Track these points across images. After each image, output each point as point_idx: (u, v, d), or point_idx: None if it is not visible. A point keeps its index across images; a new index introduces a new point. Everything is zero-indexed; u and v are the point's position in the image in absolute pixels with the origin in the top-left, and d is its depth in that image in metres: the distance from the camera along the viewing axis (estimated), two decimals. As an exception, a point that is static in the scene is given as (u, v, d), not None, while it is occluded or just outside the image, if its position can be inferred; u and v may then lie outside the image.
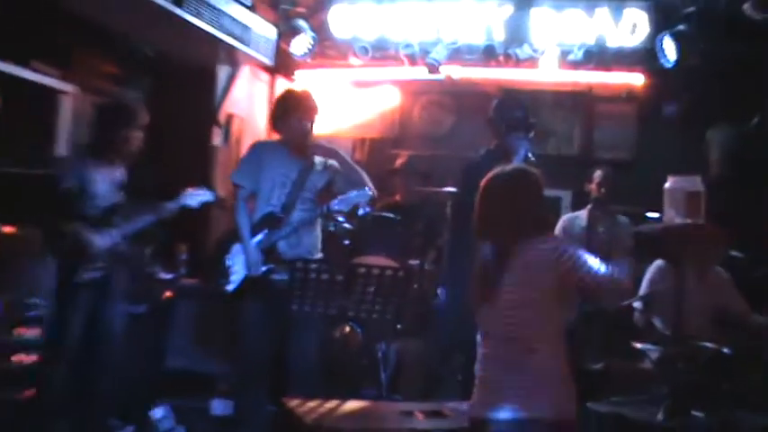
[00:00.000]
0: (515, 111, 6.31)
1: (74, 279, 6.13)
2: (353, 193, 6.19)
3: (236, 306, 6.29)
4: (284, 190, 6.24)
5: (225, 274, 6.27)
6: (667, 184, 4.96)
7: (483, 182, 4.15)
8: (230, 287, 6.23)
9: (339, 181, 6.42)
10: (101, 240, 6.19)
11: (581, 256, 3.95)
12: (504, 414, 3.85)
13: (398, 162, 8.55)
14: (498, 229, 4.06)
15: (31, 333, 6.17)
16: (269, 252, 6.13)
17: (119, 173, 6.41)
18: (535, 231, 4.00)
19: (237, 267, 6.23)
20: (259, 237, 6.19)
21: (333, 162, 6.49)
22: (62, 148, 6.70)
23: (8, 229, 6.10)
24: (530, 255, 3.93)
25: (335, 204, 6.18)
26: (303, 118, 6.30)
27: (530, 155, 5.95)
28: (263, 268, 6.10)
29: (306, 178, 6.30)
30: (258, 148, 6.61)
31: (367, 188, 6.28)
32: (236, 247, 6.26)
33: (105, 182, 6.33)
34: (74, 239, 6.11)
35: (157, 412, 6.75)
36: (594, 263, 3.95)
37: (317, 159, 6.43)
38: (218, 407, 6.90)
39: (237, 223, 6.27)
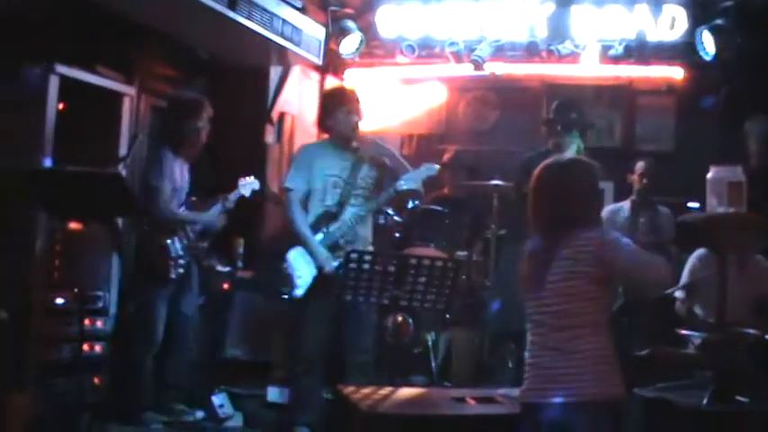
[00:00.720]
0: (571, 112, 6.47)
1: (165, 277, 6.50)
2: (422, 168, 6.35)
3: (298, 301, 6.40)
4: (337, 189, 6.37)
5: (287, 281, 6.39)
6: (709, 175, 4.97)
7: (536, 172, 4.19)
8: (298, 292, 6.31)
9: (388, 176, 6.57)
10: (185, 237, 6.55)
11: (624, 243, 3.98)
12: (555, 399, 3.91)
13: (446, 157, 8.66)
14: (549, 218, 4.11)
15: (98, 324, 6.47)
16: (332, 249, 6.25)
17: (187, 167, 6.70)
18: (586, 221, 4.05)
19: (302, 272, 6.31)
20: (319, 236, 6.32)
21: (381, 156, 6.63)
22: (124, 147, 6.90)
23: (75, 226, 6.33)
24: (577, 244, 3.96)
25: (402, 184, 6.30)
26: (350, 111, 6.43)
27: (581, 150, 6.11)
28: (335, 263, 6.19)
29: (357, 174, 6.42)
30: (307, 150, 6.72)
31: (434, 164, 6.40)
32: (294, 253, 6.38)
33: (184, 177, 6.63)
34: (161, 238, 6.48)
35: (216, 399, 6.94)
36: (637, 250, 3.98)
37: (367, 154, 6.57)
38: (274, 394, 7.04)
39: (297, 226, 6.35)
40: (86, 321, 5.97)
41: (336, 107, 6.47)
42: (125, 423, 6.47)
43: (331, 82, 9.16)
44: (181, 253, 6.57)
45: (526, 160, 6.39)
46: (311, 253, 6.27)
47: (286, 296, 6.41)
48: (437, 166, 6.44)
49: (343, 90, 6.78)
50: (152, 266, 6.53)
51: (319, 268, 6.22)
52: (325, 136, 6.69)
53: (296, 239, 6.37)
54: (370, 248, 6.33)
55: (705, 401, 4.62)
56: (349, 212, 6.34)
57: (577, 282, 3.96)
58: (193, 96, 6.88)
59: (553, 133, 6.56)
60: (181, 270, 6.57)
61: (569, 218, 4.06)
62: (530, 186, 4.23)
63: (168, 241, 6.50)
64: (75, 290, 6.04)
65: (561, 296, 3.98)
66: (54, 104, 6.16)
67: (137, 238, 6.66)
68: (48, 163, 6.08)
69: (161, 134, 6.74)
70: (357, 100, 6.55)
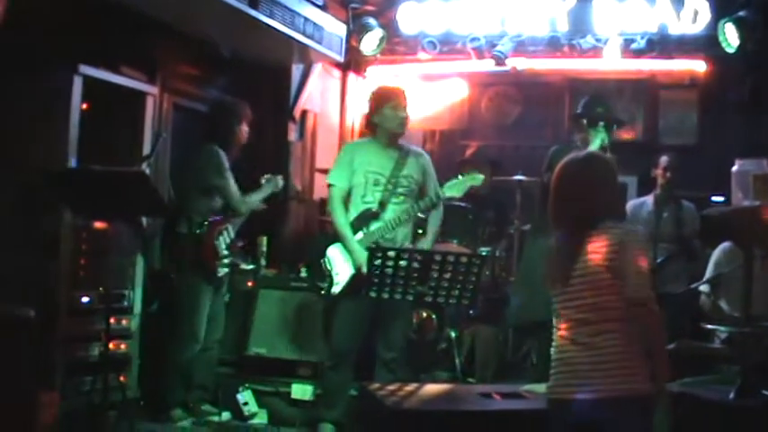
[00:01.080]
0: (597, 107, 6.47)
1: (213, 274, 6.63)
2: (466, 177, 6.36)
3: (334, 298, 6.45)
4: (378, 186, 6.37)
5: (326, 277, 6.41)
6: (735, 168, 4.98)
7: (558, 167, 4.19)
8: (336, 289, 6.34)
9: (431, 179, 6.57)
10: (228, 237, 6.69)
11: (639, 246, 4.01)
12: (583, 395, 3.90)
13: (468, 152, 8.71)
14: (572, 213, 4.10)
15: (124, 322, 6.51)
16: (368, 249, 6.19)
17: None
18: (608, 215, 4.04)
19: (340, 269, 6.35)
20: (359, 235, 6.34)
21: (423, 160, 6.62)
22: (147, 146, 6.94)
23: (100, 225, 6.36)
24: (603, 238, 3.96)
25: (446, 192, 6.32)
26: (397, 107, 6.44)
27: (605, 144, 6.11)
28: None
29: (399, 173, 6.42)
30: (349, 146, 6.79)
31: (477, 173, 6.43)
32: (334, 250, 6.40)
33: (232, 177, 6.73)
34: (211, 237, 6.61)
35: (241, 397, 6.99)
36: (641, 268, 3.98)
37: (413, 154, 6.58)
38: (299, 391, 6.99)
39: (336, 223, 6.38)
40: (112, 320, 5.98)
41: (384, 103, 6.47)
42: (154, 421, 6.56)
43: (353, 79, 9.19)
44: (226, 252, 6.68)
45: (552, 153, 6.39)
46: (349, 251, 6.28)
47: (323, 292, 6.43)
48: (482, 177, 6.44)
49: (389, 87, 6.81)
50: (201, 264, 6.62)
51: (357, 267, 6.21)
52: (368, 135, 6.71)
53: (335, 236, 6.41)
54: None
55: (732, 396, 4.61)
56: (390, 212, 6.35)
57: (603, 276, 3.95)
58: (237, 100, 7.00)
59: (579, 128, 6.55)
60: (226, 269, 6.72)
61: (592, 212, 4.06)
62: (553, 182, 4.22)
63: (218, 240, 6.63)
64: (101, 289, 6.06)
65: (587, 290, 3.98)
66: (78, 105, 6.18)
67: (181, 236, 6.69)
68: (72, 163, 6.11)
69: (210, 136, 6.80)
70: (404, 96, 6.56)
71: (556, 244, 4.19)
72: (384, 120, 6.44)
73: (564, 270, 4.06)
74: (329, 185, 6.50)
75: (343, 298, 6.38)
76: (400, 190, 6.39)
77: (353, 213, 6.41)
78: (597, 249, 3.97)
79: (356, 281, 6.23)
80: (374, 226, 6.33)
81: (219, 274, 6.70)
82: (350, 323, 6.39)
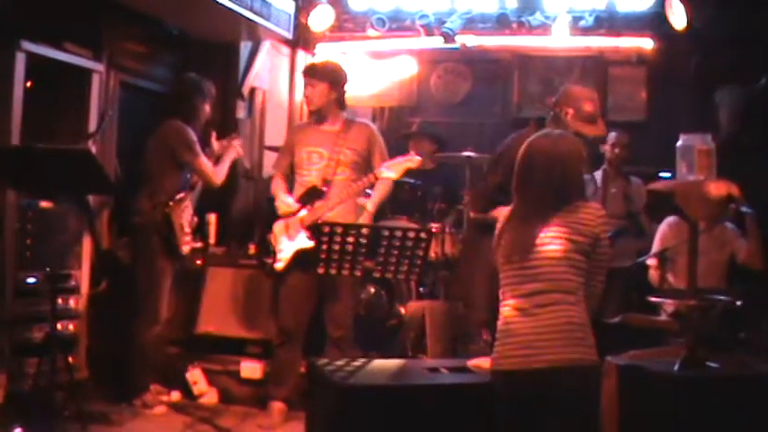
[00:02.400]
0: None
1: (178, 253, 6.66)
2: (401, 159, 6.36)
3: (278, 275, 6.48)
4: (320, 162, 6.43)
5: (270, 252, 6.47)
6: (679, 142, 5.03)
7: (527, 142, 4.27)
8: (279, 264, 6.41)
9: (375, 151, 6.60)
10: (189, 214, 6.74)
11: (605, 260, 4.17)
12: (532, 365, 3.94)
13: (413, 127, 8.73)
14: (546, 188, 4.14)
15: (71, 303, 6.47)
16: (314, 226, 6.24)
17: None
18: (581, 192, 4.20)
19: (284, 245, 6.40)
20: (303, 212, 6.37)
21: (368, 131, 6.66)
22: (93, 124, 6.88)
23: (46, 204, 6.31)
24: (578, 214, 4.07)
25: (383, 171, 6.34)
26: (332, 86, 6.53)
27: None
28: (311, 243, 6.25)
29: (341, 147, 6.47)
30: (291, 131, 7.04)
31: (414, 154, 6.43)
32: (278, 225, 6.45)
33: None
34: (178, 215, 6.64)
35: (191, 376, 6.99)
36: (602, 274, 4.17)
37: (353, 127, 6.61)
38: (249, 369, 7.03)
39: (272, 188, 6.56)
40: (59, 300, 5.96)
41: (318, 81, 6.53)
42: (108, 402, 6.54)
43: (302, 57, 9.15)
44: (188, 230, 6.70)
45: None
46: (284, 205, 6.45)
47: (269, 266, 6.46)
48: (418, 158, 6.44)
49: (326, 63, 6.82)
50: (168, 242, 6.61)
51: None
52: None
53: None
54: None
55: (676, 367, 4.64)
56: (334, 188, 6.39)
57: (568, 247, 4.04)
58: (202, 78, 7.02)
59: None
60: (187, 247, 6.73)
61: (568, 188, 4.14)
62: (520, 156, 4.27)
63: (182, 217, 6.65)
64: (47, 269, 5.98)
65: (548, 259, 4.05)
66: (21, 82, 6.11)
67: (143, 214, 6.67)
68: (16, 141, 6.03)
69: (173, 112, 6.80)
70: (304, 75, 6.68)
71: (516, 215, 4.22)
72: (318, 97, 6.58)
73: (526, 240, 4.10)
74: (274, 172, 6.71)
75: (287, 275, 6.40)
76: (343, 164, 6.43)
77: (299, 191, 6.48)
78: (570, 224, 4.06)
79: (299, 256, 6.28)
80: (318, 203, 6.35)
81: (184, 252, 6.71)
82: (294, 300, 6.43)
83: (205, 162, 6.74)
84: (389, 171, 6.34)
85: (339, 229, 5.25)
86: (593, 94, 5.99)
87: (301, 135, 6.63)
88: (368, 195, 6.66)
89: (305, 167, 6.49)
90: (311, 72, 6.69)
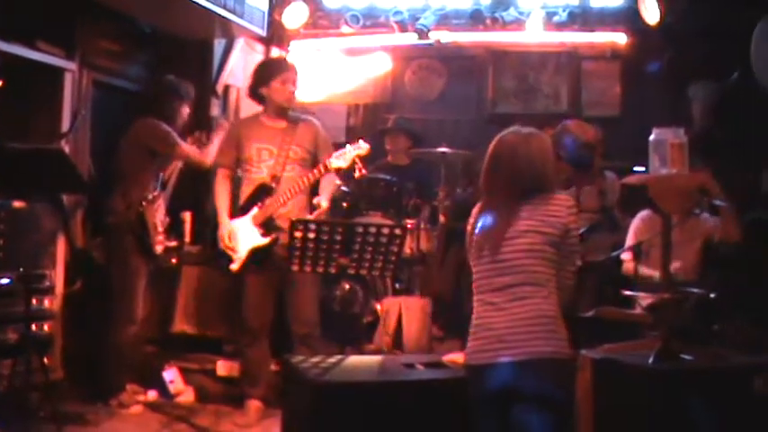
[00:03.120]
0: None
1: (150, 254, 6.67)
2: (349, 147, 6.35)
3: (239, 275, 6.47)
4: (268, 160, 6.42)
5: (223, 252, 6.46)
6: (652, 136, 5.07)
7: (497, 139, 4.28)
8: (234, 266, 6.40)
9: (321, 147, 6.59)
10: (161, 213, 6.75)
11: (576, 251, 4.22)
12: (503, 358, 3.96)
13: (388, 124, 8.74)
14: (518, 182, 4.17)
15: (46, 303, 6.39)
16: (267, 223, 6.32)
17: None
18: (553, 185, 4.20)
19: (239, 245, 6.40)
20: (254, 210, 6.38)
21: (314, 127, 6.65)
22: (66, 123, 6.85)
23: (19, 204, 6.26)
24: (548, 206, 4.09)
25: (332, 161, 6.32)
26: (286, 81, 6.49)
27: None
28: (265, 240, 6.29)
29: (290, 144, 6.45)
30: (236, 124, 6.94)
31: (362, 141, 6.41)
32: (235, 223, 6.44)
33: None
34: (152, 215, 6.66)
35: (167, 375, 6.97)
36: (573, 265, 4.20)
37: (300, 123, 6.58)
38: (225, 368, 7.02)
39: (215, 197, 6.57)
40: (33, 301, 5.93)
41: (271, 77, 6.50)
42: (85, 402, 6.53)
43: (276, 54, 9.13)
44: (160, 229, 6.69)
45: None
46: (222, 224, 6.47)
47: (225, 266, 6.47)
48: (366, 145, 6.41)
49: (277, 60, 6.84)
50: (141, 242, 6.62)
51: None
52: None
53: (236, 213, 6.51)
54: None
55: (651, 360, 4.66)
56: (283, 184, 6.38)
57: (537, 240, 4.06)
58: (180, 80, 7.06)
59: None
60: (161, 246, 6.73)
61: (535, 182, 4.16)
62: (489, 152, 4.29)
63: (155, 217, 6.66)
64: (21, 269, 5.95)
65: (518, 252, 4.06)
66: (-8, 81, 6.09)
67: (116, 213, 6.66)
68: (-13, 141, 5.99)
69: (148, 111, 6.82)
70: (295, 71, 6.60)
71: (488, 208, 4.24)
72: (271, 93, 6.50)
73: (497, 233, 4.12)
74: (215, 166, 6.66)
75: (244, 274, 6.42)
76: (291, 161, 6.42)
77: (248, 189, 6.46)
78: (540, 216, 4.08)
79: (255, 255, 6.31)
80: (268, 200, 6.35)
81: (158, 252, 6.71)
82: (255, 299, 6.45)
83: (187, 147, 6.81)
84: (338, 161, 6.33)
85: (313, 226, 5.25)
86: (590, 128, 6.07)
87: (247, 130, 6.58)
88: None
89: (254, 164, 6.46)
90: (296, 69, 6.68)
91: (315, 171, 6.39)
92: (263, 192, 6.41)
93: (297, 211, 6.35)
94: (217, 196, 6.56)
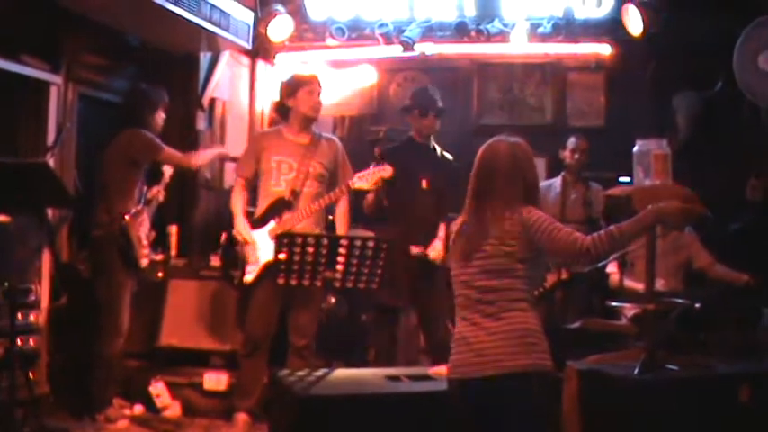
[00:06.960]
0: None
1: (135, 268, 6.65)
2: (376, 169, 6.39)
3: (244, 288, 6.49)
4: (289, 173, 6.43)
5: (237, 264, 6.46)
6: (636, 148, 5.08)
7: (482, 149, 4.25)
8: (249, 277, 6.40)
9: (340, 167, 6.62)
10: (146, 226, 6.75)
11: (546, 222, 4.00)
12: (483, 372, 3.95)
13: (380, 134, 8.75)
14: (479, 197, 4.15)
15: (31, 317, 6.37)
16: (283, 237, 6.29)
17: None
18: (509, 199, 4.07)
19: (254, 257, 6.40)
20: (272, 224, 6.37)
21: (335, 146, 6.68)
22: (52, 137, 6.84)
23: (3, 218, 6.22)
24: (506, 222, 4.00)
25: (356, 182, 6.37)
26: (312, 92, 6.53)
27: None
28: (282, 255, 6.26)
29: (310, 160, 6.47)
30: (258, 136, 6.97)
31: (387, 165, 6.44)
32: (256, 237, 6.42)
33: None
34: (137, 228, 6.66)
35: (154, 389, 6.95)
36: (555, 229, 3.99)
37: (322, 141, 6.61)
38: (212, 381, 7.00)
39: (231, 203, 6.57)
40: (18, 315, 5.90)
41: (299, 87, 6.54)
42: (72, 417, 6.53)
43: (262, 67, 9.16)
44: (145, 242, 6.68)
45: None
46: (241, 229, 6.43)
47: (239, 279, 6.47)
48: (390, 168, 6.44)
49: (305, 73, 6.84)
50: (126, 256, 6.59)
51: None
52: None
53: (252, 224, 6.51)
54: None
55: (636, 371, 4.68)
56: (302, 200, 6.40)
57: (503, 260, 4.01)
58: (153, 87, 7.04)
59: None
60: (146, 260, 6.71)
61: (495, 196, 4.11)
62: (479, 157, 4.25)
63: (140, 230, 6.64)
64: (6, 284, 5.92)
65: (488, 272, 4.03)
66: (-23, 95, 6.08)
67: (101, 227, 6.66)
68: (-28, 155, 5.99)
69: (126, 123, 6.81)
70: (319, 83, 6.65)
71: (463, 225, 4.22)
72: (298, 104, 6.50)
73: (469, 251, 4.10)
74: (237, 177, 6.69)
75: (256, 286, 6.38)
76: (311, 177, 6.42)
77: (266, 202, 6.43)
78: (500, 234, 4.01)
79: (267, 268, 6.24)
80: (286, 215, 6.31)
81: (143, 265, 6.68)
82: (264, 311, 6.42)
83: (172, 151, 6.81)
84: (362, 182, 6.37)
85: (299, 240, 5.26)
86: None
87: (268, 143, 6.59)
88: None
89: (274, 177, 6.46)
90: (320, 81, 6.72)
91: (337, 191, 6.43)
92: (282, 205, 6.41)
93: (313, 228, 6.34)
94: (233, 203, 6.57)
